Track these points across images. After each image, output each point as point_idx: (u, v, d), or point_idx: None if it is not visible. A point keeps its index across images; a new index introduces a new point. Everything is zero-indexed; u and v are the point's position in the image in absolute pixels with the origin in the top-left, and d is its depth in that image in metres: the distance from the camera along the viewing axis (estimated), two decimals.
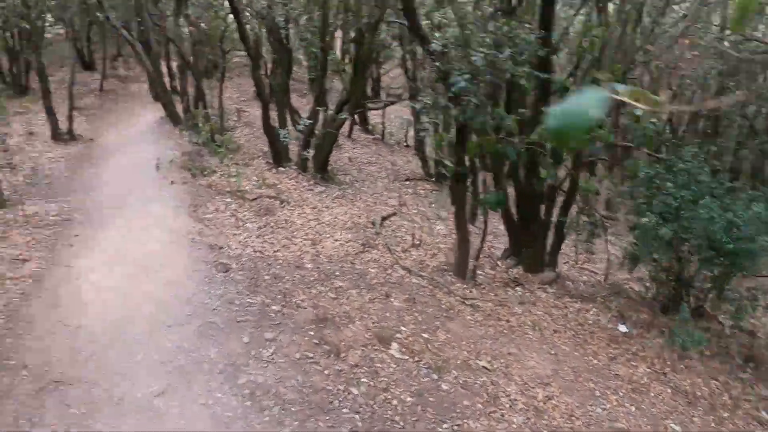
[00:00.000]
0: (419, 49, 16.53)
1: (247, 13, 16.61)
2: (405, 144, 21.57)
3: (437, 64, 9.03)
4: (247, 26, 15.83)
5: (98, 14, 21.84)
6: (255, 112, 21.62)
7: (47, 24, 24.81)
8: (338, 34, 17.80)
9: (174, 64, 23.54)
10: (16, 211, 11.78)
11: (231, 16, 17.31)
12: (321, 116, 14.60)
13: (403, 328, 7.95)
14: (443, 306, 9.01)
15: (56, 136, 18.06)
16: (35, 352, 7.25)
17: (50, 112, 18.09)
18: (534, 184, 10.82)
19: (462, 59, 8.91)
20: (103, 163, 15.62)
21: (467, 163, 10.46)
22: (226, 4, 15.59)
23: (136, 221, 10.58)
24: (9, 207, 12.12)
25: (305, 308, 7.74)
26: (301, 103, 22.84)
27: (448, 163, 11.48)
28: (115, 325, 7.53)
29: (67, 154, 16.85)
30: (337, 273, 9.26)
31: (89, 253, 9.67)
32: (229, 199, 11.62)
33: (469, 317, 8.96)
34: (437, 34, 10.54)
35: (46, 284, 8.96)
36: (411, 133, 20.59)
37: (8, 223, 11.31)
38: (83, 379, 6.57)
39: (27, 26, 17.51)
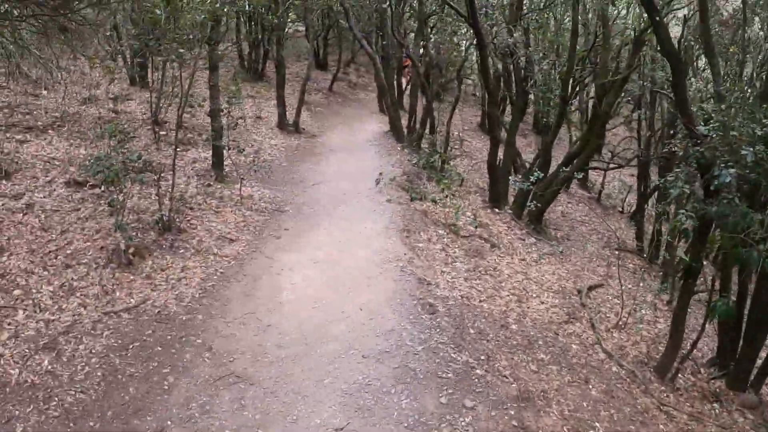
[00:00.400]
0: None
1: (492, 48, 16.34)
2: (620, 209, 20.40)
3: (700, 149, 8.13)
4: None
5: (341, 21, 22.47)
6: (475, 143, 21.45)
7: (290, 20, 26.04)
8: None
9: (404, 81, 23.88)
10: (233, 190, 12.18)
11: (469, 46, 17.21)
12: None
13: (597, 425, 7.25)
14: (638, 407, 8.23)
15: (282, 125, 18.77)
16: (222, 337, 7.38)
17: (281, 102, 18.86)
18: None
19: (726, 148, 7.97)
20: (322, 161, 15.98)
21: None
22: (468, 33, 15.40)
23: (347, 231, 10.57)
24: (227, 184, 12.63)
25: (507, 379, 7.28)
26: (522, 142, 22.34)
27: (681, 254, 10.48)
28: (306, 336, 7.53)
29: (288, 145, 17.42)
30: (540, 342, 8.69)
31: (294, 251, 9.78)
32: (442, 231, 11.38)
33: (662, 426, 8.04)
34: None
35: (246, 270, 9.14)
36: (628, 199, 19.49)
37: (224, 200, 11.75)
38: (263, 383, 6.59)
39: (274, 20, 18.19)
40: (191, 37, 10.88)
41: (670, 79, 9.47)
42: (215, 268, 9.10)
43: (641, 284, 13.45)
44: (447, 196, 12.55)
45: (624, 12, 16.98)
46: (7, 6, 8.73)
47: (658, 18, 8.21)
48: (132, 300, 7.98)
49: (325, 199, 12.59)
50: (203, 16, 11.13)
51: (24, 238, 8.70)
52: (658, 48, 10.34)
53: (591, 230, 16.41)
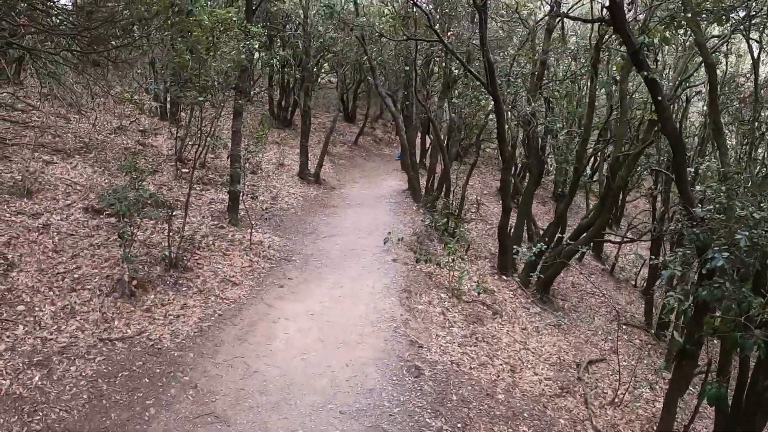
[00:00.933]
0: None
1: (510, 115, 16.63)
2: (633, 283, 20.28)
3: (696, 231, 8.18)
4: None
5: (369, 77, 23.00)
6: (492, 208, 21.56)
7: (323, 71, 26.68)
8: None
9: (427, 142, 24.22)
10: (245, 234, 12.38)
11: (490, 111, 17.50)
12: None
13: None
14: None
15: (303, 174, 19.09)
16: (209, 377, 7.49)
17: (304, 151, 19.22)
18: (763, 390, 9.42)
19: (723, 229, 8.01)
20: (337, 214, 16.16)
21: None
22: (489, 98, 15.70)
23: (348, 287, 10.68)
24: (240, 227, 12.84)
25: None
26: (541, 209, 22.42)
27: (676, 335, 10.45)
28: (289, 386, 7.59)
29: (306, 195, 17.67)
30: (526, 415, 8.65)
31: (294, 301, 9.90)
32: (443, 295, 11.42)
33: None
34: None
35: (244, 315, 9.28)
36: (643, 273, 19.40)
37: (233, 243, 11.95)
38: (239, 426, 6.67)
39: (296, 74, 18.73)
40: (216, 83, 11.28)
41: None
42: (214, 309, 9.25)
43: (644, 361, 13.36)
44: (454, 260, 12.63)
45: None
46: (39, 38, 9.21)
47: (660, 98, 8.36)
48: (129, 330, 8.14)
49: (334, 253, 12.73)
50: (229, 65, 11.55)
51: (35, 257, 8.95)
52: (659, 127, 10.48)
53: (600, 303, 16.32)
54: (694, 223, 8.21)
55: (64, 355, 7.26)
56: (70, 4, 10.62)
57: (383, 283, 10.89)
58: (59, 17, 8.97)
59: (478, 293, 11.94)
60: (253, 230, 12.71)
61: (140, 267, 9.50)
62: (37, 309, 7.95)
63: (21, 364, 6.85)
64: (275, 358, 8.09)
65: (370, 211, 16.30)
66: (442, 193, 18.30)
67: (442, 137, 18.90)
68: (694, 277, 8.28)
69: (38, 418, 6.20)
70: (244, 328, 8.79)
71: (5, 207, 9.95)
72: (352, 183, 20.82)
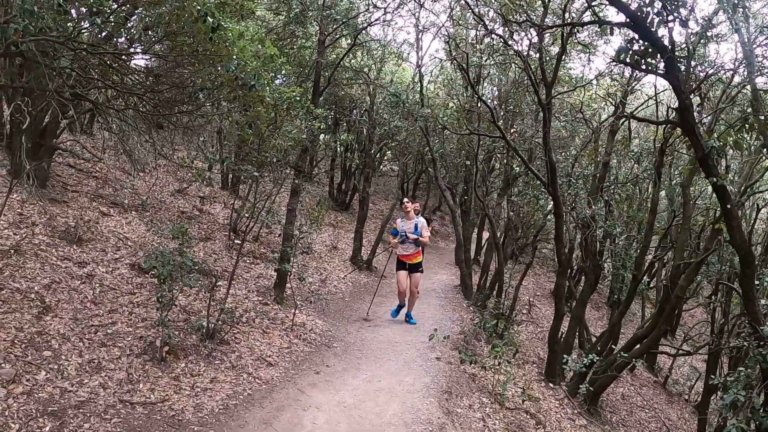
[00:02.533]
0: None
1: (569, 216, 16.26)
2: (686, 397, 19.18)
3: (763, 352, 7.60)
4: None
5: (429, 169, 23.04)
6: (544, 310, 20.94)
7: (384, 159, 26.92)
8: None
9: (483, 238, 23.94)
10: (288, 314, 12.11)
11: (549, 212, 17.20)
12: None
13: None
14: None
15: (355, 260, 18.94)
16: None
17: (358, 237, 19.11)
18: None
19: None
20: (384, 304, 15.83)
21: None
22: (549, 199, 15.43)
23: (385, 381, 10.18)
24: (284, 306, 12.59)
25: None
26: (595, 315, 21.68)
27: None
28: None
29: (356, 281, 17.41)
30: None
31: (327, 391, 9.43)
32: (486, 399, 10.79)
33: None
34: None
35: (274, 397, 8.84)
36: (698, 387, 18.40)
37: (275, 322, 11.66)
38: None
39: (355, 161, 18.86)
40: (275, 160, 11.27)
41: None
42: (244, 388, 8.87)
43: None
44: (500, 363, 12.06)
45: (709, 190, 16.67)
46: (109, 95, 9.43)
47: (729, 206, 7.93)
48: (152, 396, 7.83)
49: (376, 344, 12.30)
50: (289, 143, 11.58)
51: (73, 304, 8.86)
52: (726, 236, 9.97)
53: (651, 417, 15.40)
54: (761, 343, 7.64)
55: (80, 410, 6.97)
56: (143, 67, 10.93)
57: (423, 382, 10.35)
58: (130, 77, 9.16)
59: (523, 401, 11.30)
60: (298, 311, 12.44)
61: (175, 333, 9.28)
62: (63, 358, 7.76)
63: (34, 411, 6.60)
64: None
65: (418, 304, 15.91)
66: (494, 292, 17.82)
67: (498, 235, 18.55)
68: (757, 401, 7.62)
69: None
70: (271, 412, 8.35)
71: (53, 251, 10.02)
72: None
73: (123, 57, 8.62)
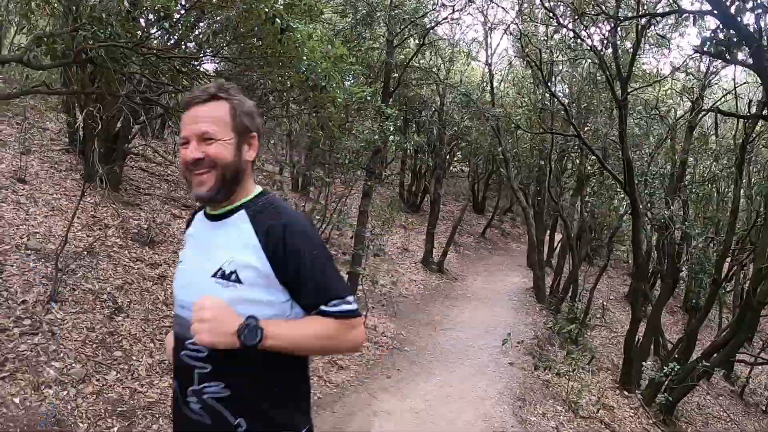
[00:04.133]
0: None
1: (647, 218, 15.76)
2: (763, 408, 18.37)
3: None
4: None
5: (501, 169, 22.71)
6: (618, 315, 20.41)
7: (455, 160, 26.70)
8: None
9: (556, 239, 23.50)
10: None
11: (624, 213, 16.72)
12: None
13: None
14: None
15: (426, 262, 18.82)
16: None
17: (429, 239, 18.99)
18: None
19: None
20: (456, 307, 15.69)
21: None
22: (625, 199, 14.99)
23: (457, 387, 10.06)
24: None
25: None
26: (669, 320, 21.03)
27: None
28: None
29: (428, 283, 17.29)
30: None
31: (398, 396, 9.37)
32: (559, 407, 10.53)
33: None
34: None
35: (345, 401, 8.83)
36: None
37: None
38: None
39: (428, 162, 18.66)
40: (346, 162, 11.25)
41: None
42: (314, 391, 8.87)
43: None
44: (574, 370, 11.76)
45: None
46: (178, 99, 9.56)
47: None
48: None
49: (448, 348, 12.16)
50: (361, 145, 11.53)
51: (145, 305, 9.03)
52: None
53: (727, 428, 14.82)
54: None
55: (149, 411, 7.06)
56: (212, 71, 11.06)
57: (496, 389, 10.19)
58: (200, 81, 9.28)
59: (597, 410, 10.98)
60: (369, 314, 12.41)
61: None
62: (134, 358, 7.89)
63: (103, 411, 6.72)
64: None
65: (490, 307, 15.67)
66: (568, 296, 17.44)
67: (572, 236, 18.15)
68: None
69: None
70: (342, 417, 8.33)
71: (126, 252, 10.24)
72: (475, 275, 20.27)
73: (192, 61, 8.72)
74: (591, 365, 13.47)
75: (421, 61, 20.07)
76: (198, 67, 9.04)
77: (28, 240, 9.11)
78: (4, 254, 8.49)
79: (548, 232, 23.63)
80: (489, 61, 20.43)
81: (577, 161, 19.67)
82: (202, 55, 9.37)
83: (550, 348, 13.68)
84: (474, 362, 11.43)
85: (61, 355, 7.37)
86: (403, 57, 18.13)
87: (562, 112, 15.16)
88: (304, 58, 7.99)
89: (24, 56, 6.05)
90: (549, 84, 16.37)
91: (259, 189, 2.39)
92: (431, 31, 17.27)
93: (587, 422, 10.44)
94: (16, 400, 6.49)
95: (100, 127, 8.89)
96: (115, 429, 6.58)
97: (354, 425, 8.19)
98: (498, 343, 12.20)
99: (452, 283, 18.29)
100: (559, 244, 21.31)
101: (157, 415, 7.08)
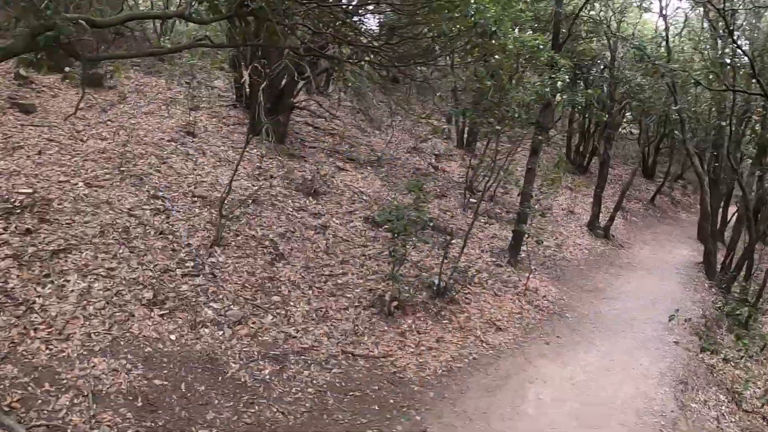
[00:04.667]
0: None
1: None
2: None
3: None
4: None
5: (675, 132, 21.18)
6: None
7: (624, 120, 25.30)
8: None
9: (730, 211, 21.86)
10: (521, 278, 11.78)
11: None
12: None
13: None
14: None
15: (592, 226, 18.19)
16: (442, 425, 6.89)
17: (597, 202, 18.30)
18: None
19: None
20: (621, 275, 15.16)
21: None
22: None
23: (618, 361, 9.60)
24: (517, 270, 12.47)
25: None
26: None
27: None
28: None
29: (593, 248, 16.71)
30: None
31: (556, 364, 9.07)
32: (722, 397, 9.74)
33: None
34: None
35: (500, 364, 8.65)
36: None
37: (507, 285, 11.52)
38: None
39: (604, 118, 17.59)
40: (516, 116, 10.75)
41: None
42: (470, 351, 8.73)
43: None
44: (743, 358, 10.83)
45: None
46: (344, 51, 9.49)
47: None
48: (375, 350, 7.97)
49: (610, 318, 11.62)
50: (532, 98, 10.98)
51: (306, 253, 9.27)
52: None
53: None
54: None
55: (302, 357, 7.24)
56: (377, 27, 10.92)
57: (659, 368, 9.62)
58: (365, 36, 9.16)
59: (762, 405, 10.00)
60: (531, 275, 12.08)
61: (405, 288, 9.39)
62: (291, 304, 8.08)
63: (256, 353, 6.90)
64: (519, 426, 7.18)
65: (656, 280, 14.80)
66: (741, 274, 16.12)
67: (750, 208, 16.71)
68: None
69: (253, 411, 6.19)
70: (496, 380, 8.12)
71: (290, 202, 10.50)
72: (642, 244, 19.27)
73: (357, 13, 8.57)
74: (760, 354, 12.40)
75: (591, 12, 18.88)
76: (362, 19, 8.90)
77: (195, 188, 9.48)
78: (172, 200, 8.87)
79: (722, 202, 21.93)
80: (664, 12, 18.94)
81: (758, 126, 17.91)
82: (365, 3, 9.20)
83: (717, 330, 12.74)
84: (637, 336, 10.87)
85: (220, 296, 7.63)
86: (571, 8, 17.10)
87: (747, 68, 13.66)
88: (473, 1, 7.56)
89: (186, 11, 6.12)
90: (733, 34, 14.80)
91: None
92: None
93: (750, 417, 9.58)
94: (173, 337, 6.77)
95: (265, 82, 8.97)
96: (267, 371, 6.71)
97: (508, 390, 7.98)
98: (663, 319, 11.45)
99: (618, 251, 17.46)
100: (734, 217, 19.70)
101: (309, 362, 7.17)
